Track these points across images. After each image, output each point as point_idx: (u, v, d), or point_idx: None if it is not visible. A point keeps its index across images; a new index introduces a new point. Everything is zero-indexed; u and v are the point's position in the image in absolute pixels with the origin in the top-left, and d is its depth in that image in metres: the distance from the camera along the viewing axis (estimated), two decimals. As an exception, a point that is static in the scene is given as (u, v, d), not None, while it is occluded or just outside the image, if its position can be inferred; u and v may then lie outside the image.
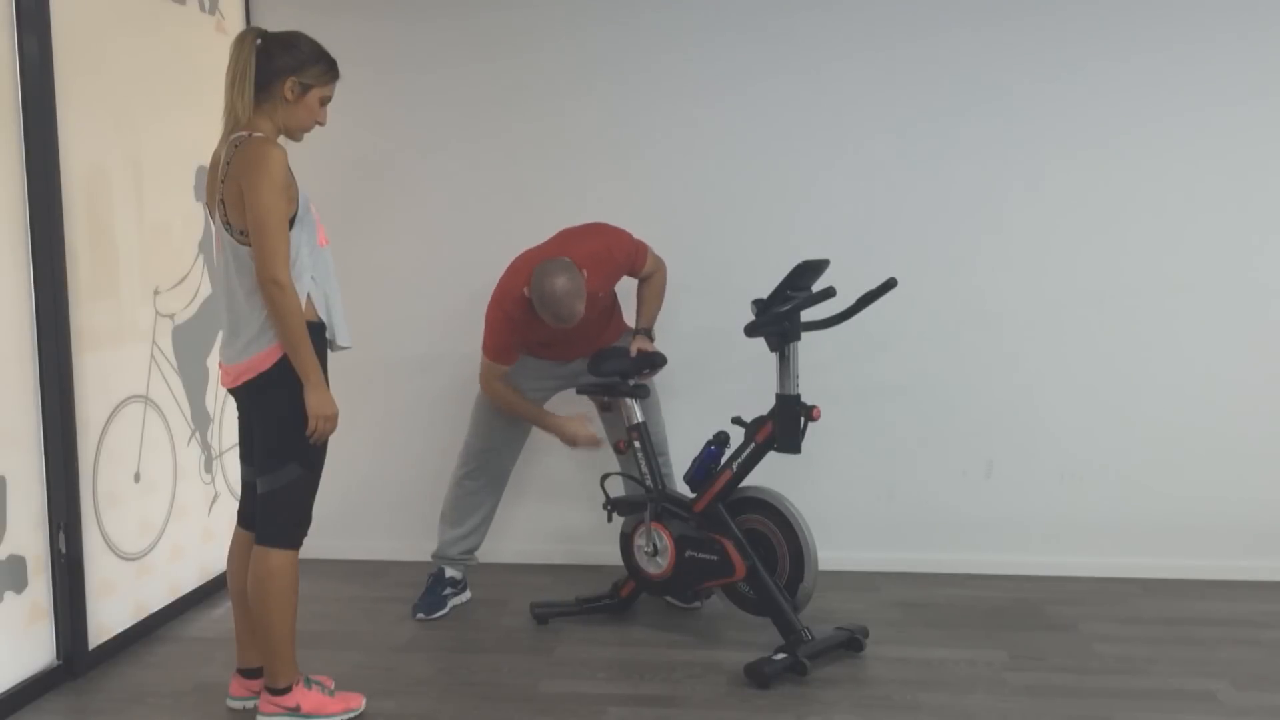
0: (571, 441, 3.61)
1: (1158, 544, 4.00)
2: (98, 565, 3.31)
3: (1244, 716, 2.90)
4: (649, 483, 3.53)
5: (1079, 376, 4.01)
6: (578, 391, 3.63)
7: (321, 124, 2.86)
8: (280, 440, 2.78)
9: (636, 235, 3.64)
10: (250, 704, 2.98)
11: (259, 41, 2.72)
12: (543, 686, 3.15)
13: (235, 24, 4.02)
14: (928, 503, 4.11)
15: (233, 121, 2.73)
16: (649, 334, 3.67)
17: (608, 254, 3.47)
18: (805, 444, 3.30)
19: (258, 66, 2.70)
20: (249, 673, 3.01)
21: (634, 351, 3.58)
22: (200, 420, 3.86)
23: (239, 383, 2.79)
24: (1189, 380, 3.96)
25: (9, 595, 3.00)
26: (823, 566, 3.44)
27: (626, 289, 3.76)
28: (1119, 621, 3.59)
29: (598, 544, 4.12)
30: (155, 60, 3.60)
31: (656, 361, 3.61)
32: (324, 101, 2.82)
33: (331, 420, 2.78)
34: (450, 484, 3.79)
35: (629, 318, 3.81)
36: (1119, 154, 3.92)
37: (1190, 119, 3.88)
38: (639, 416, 3.54)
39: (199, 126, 3.61)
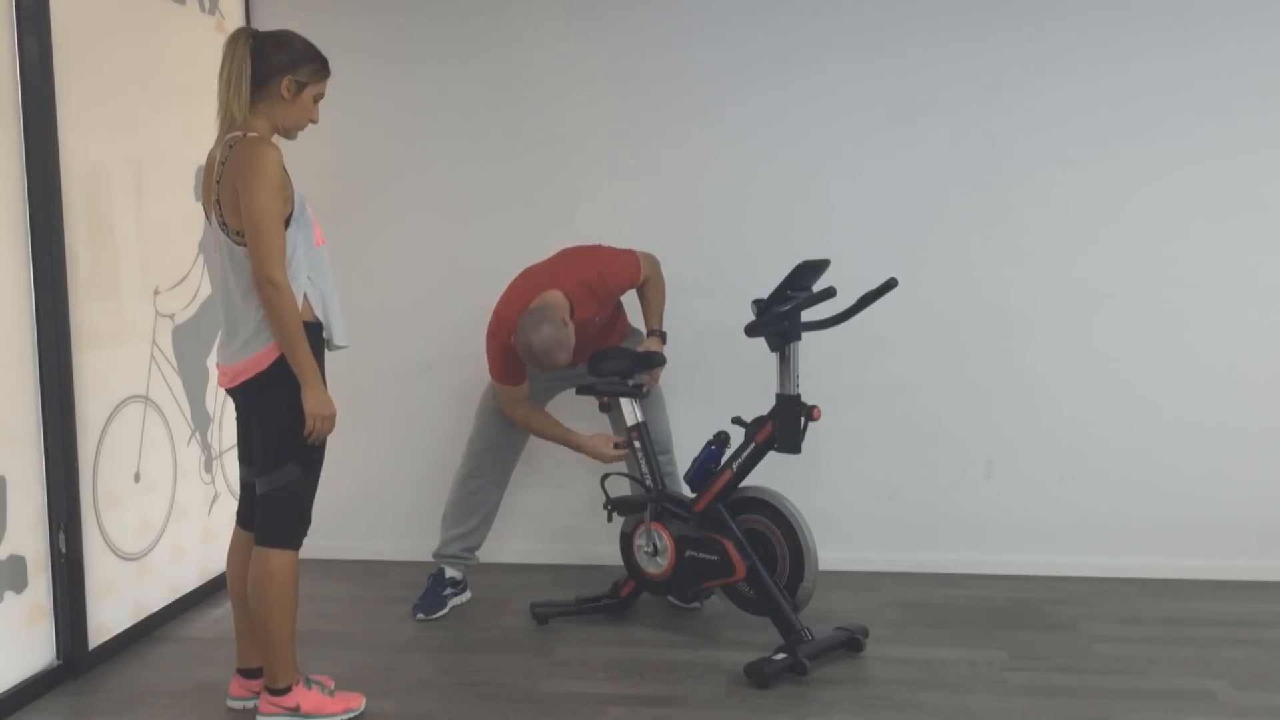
0: (603, 460, 3.61)
1: (1157, 544, 4.00)
2: (98, 565, 3.31)
3: (1244, 716, 2.90)
4: (649, 483, 3.53)
5: (1079, 376, 4.01)
6: (577, 391, 3.63)
7: (314, 121, 2.86)
8: (278, 440, 2.78)
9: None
10: (250, 704, 2.98)
11: (251, 41, 2.72)
12: (543, 686, 3.15)
13: (235, 24, 4.02)
14: (928, 503, 4.11)
15: (228, 122, 2.73)
16: (661, 335, 3.67)
17: (601, 282, 3.47)
18: (805, 444, 3.30)
19: (252, 66, 2.71)
20: (249, 673, 3.01)
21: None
22: (200, 420, 3.86)
23: (236, 383, 2.79)
24: (1189, 380, 3.95)
25: (9, 595, 3.00)
26: (823, 566, 3.44)
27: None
28: (1119, 621, 3.59)
29: (598, 544, 4.12)
30: (155, 60, 3.60)
31: (656, 361, 3.61)
32: (317, 99, 2.83)
33: (329, 420, 2.78)
34: (453, 483, 3.79)
35: (633, 319, 3.81)
36: (1120, 153, 3.92)
37: (1192, 118, 3.87)
38: (639, 416, 3.54)
39: (199, 126, 3.61)
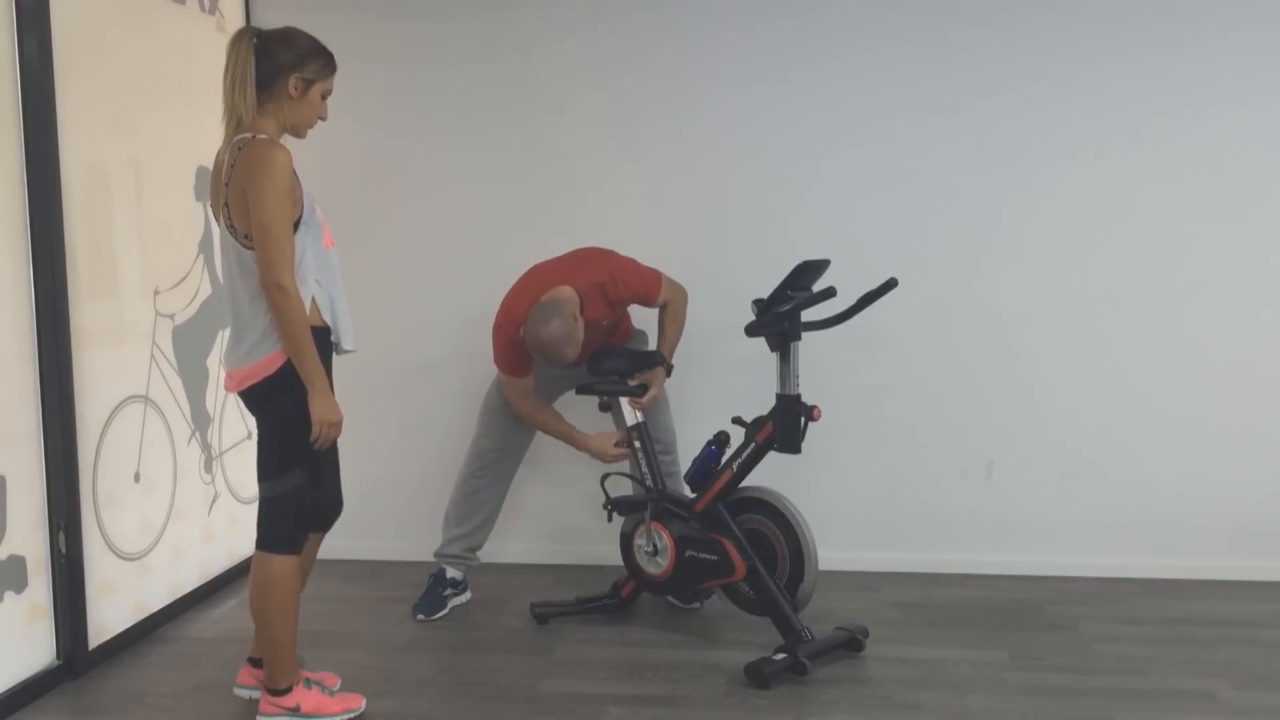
0: (606, 460, 3.61)
1: (1157, 544, 4.00)
2: (98, 565, 3.31)
3: (1244, 716, 2.90)
4: (649, 482, 3.53)
5: (1079, 376, 4.01)
6: (577, 391, 3.63)
7: (324, 119, 2.83)
8: (283, 446, 2.77)
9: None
10: (257, 694, 2.97)
11: (255, 41, 2.70)
12: (543, 686, 3.15)
13: (235, 24, 4.02)
14: (928, 503, 4.11)
15: (235, 123, 2.71)
16: (668, 367, 3.66)
17: (613, 285, 3.47)
18: (805, 444, 3.30)
19: (258, 66, 2.69)
20: (259, 662, 3.00)
21: (651, 390, 3.56)
22: (200, 420, 3.86)
23: (243, 387, 2.77)
24: (1189, 380, 3.95)
25: (9, 595, 3.00)
26: (823, 566, 3.44)
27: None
28: (1119, 621, 3.59)
29: (598, 544, 4.12)
30: (155, 60, 3.60)
31: (657, 360, 3.61)
32: (325, 95, 2.81)
33: (336, 426, 2.77)
34: (456, 484, 3.79)
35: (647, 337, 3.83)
36: (1120, 154, 3.92)
37: (1193, 118, 3.87)
38: (638, 416, 3.54)
39: (199, 126, 3.61)
